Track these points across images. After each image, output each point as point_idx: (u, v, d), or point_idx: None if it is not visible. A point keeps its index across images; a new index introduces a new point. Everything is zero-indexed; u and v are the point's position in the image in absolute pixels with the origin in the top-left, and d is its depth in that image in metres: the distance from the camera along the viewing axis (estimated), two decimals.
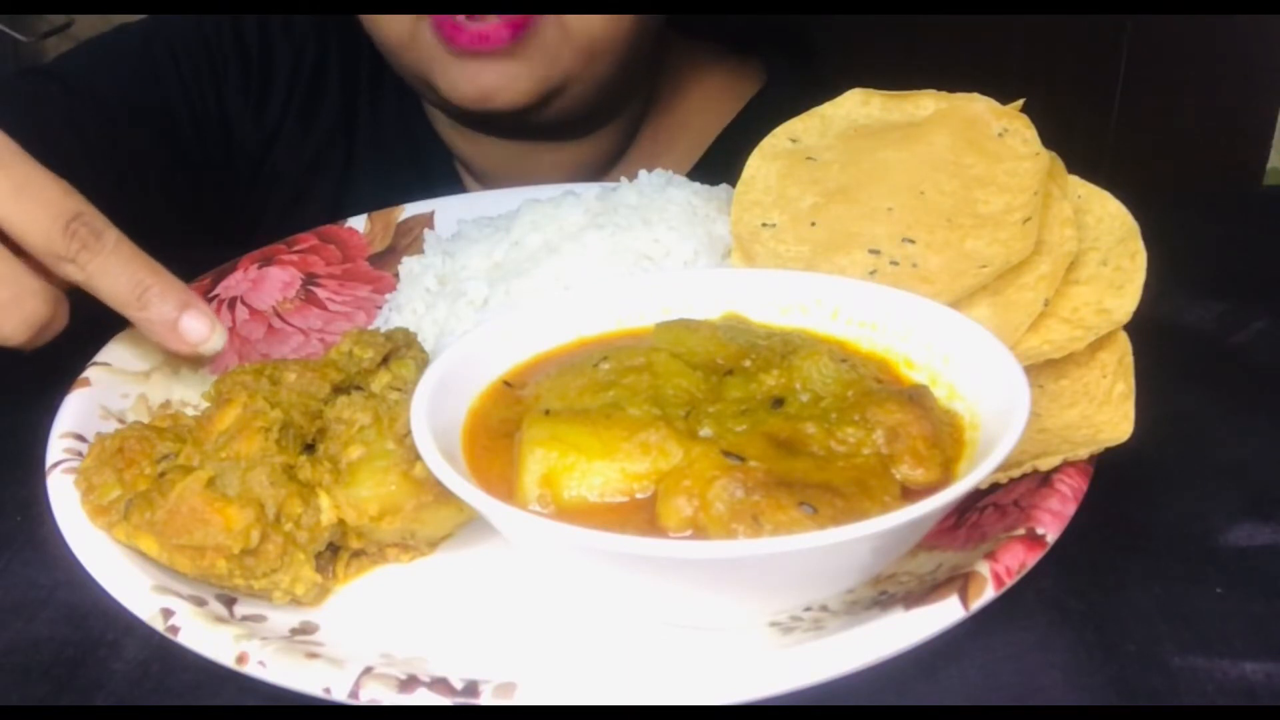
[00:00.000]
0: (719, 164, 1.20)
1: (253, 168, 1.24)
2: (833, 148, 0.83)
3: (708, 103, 1.29)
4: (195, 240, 0.96)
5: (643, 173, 0.94)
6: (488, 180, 1.27)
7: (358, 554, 0.67)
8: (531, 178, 1.21)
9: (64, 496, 0.66)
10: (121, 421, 0.76)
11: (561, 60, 1.05)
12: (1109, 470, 0.65)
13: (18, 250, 0.69)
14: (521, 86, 1.04)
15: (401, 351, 0.76)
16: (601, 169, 1.25)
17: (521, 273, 0.84)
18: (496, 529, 0.58)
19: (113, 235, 0.71)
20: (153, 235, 0.98)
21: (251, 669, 0.56)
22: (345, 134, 1.26)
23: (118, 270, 0.71)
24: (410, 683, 0.53)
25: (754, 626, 0.59)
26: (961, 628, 0.55)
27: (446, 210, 1.03)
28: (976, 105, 0.81)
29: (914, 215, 0.75)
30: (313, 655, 0.56)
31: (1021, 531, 0.59)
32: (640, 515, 0.56)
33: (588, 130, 1.20)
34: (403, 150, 1.27)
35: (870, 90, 0.85)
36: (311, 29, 1.24)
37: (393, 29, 1.06)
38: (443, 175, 1.27)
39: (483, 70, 1.03)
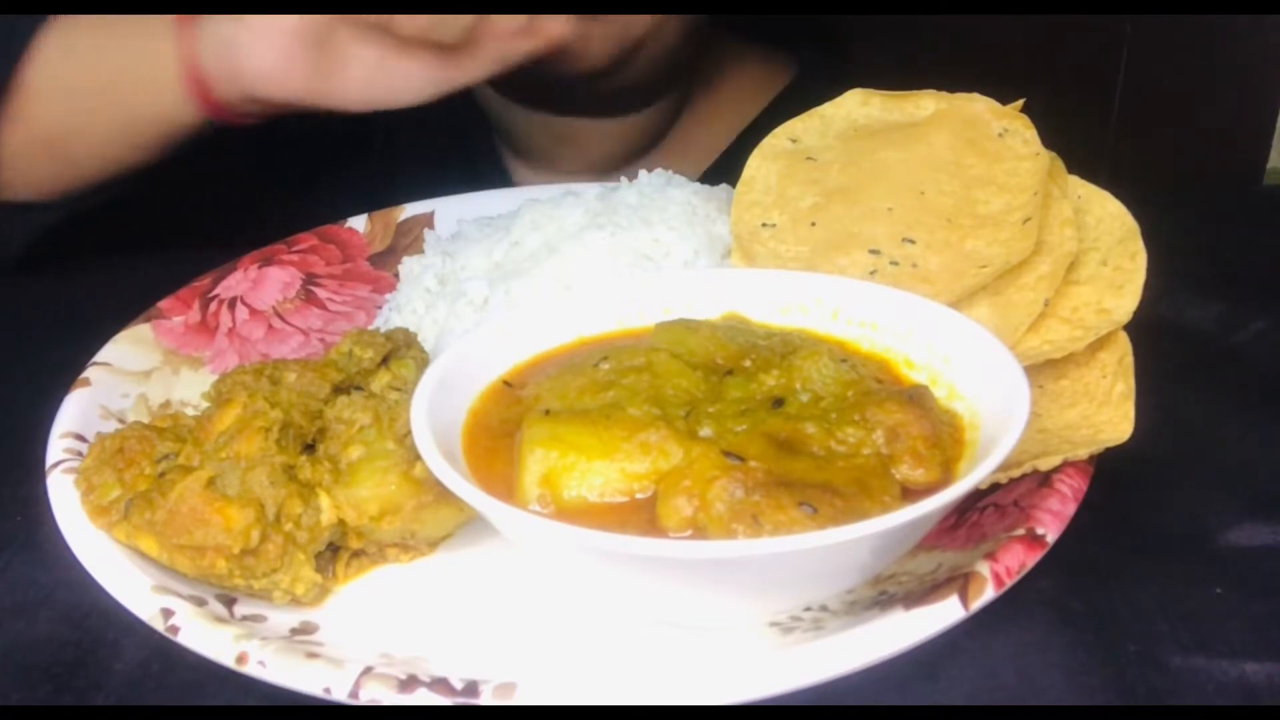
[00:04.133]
0: (748, 153, 1.22)
1: (295, 138, 1.24)
2: (833, 148, 0.83)
3: (742, 92, 1.31)
4: (196, 240, 0.97)
5: (643, 173, 0.94)
6: (528, 153, 1.28)
7: (358, 554, 0.67)
8: (575, 150, 1.23)
9: (64, 496, 0.66)
10: (121, 421, 0.76)
11: (639, 18, 1.07)
12: (1109, 470, 0.65)
13: None
14: (602, 48, 1.06)
15: (401, 351, 0.76)
16: (644, 149, 1.27)
17: (521, 273, 0.84)
18: (496, 529, 0.59)
19: None
20: (157, 235, 0.98)
21: (251, 669, 0.56)
22: (386, 111, 1.28)
23: None
24: (410, 683, 0.53)
25: (754, 626, 0.59)
26: (961, 628, 0.55)
27: (446, 210, 1.04)
28: (976, 105, 0.81)
29: (914, 215, 0.75)
30: (313, 655, 0.56)
31: (1021, 531, 0.59)
32: (640, 515, 0.56)
33: (637, 105, 1.22)
34: (444, 126, 1.28)
35: (870, 90, 0.85)
36: None
37: None
38: (484, 151, 1.29)
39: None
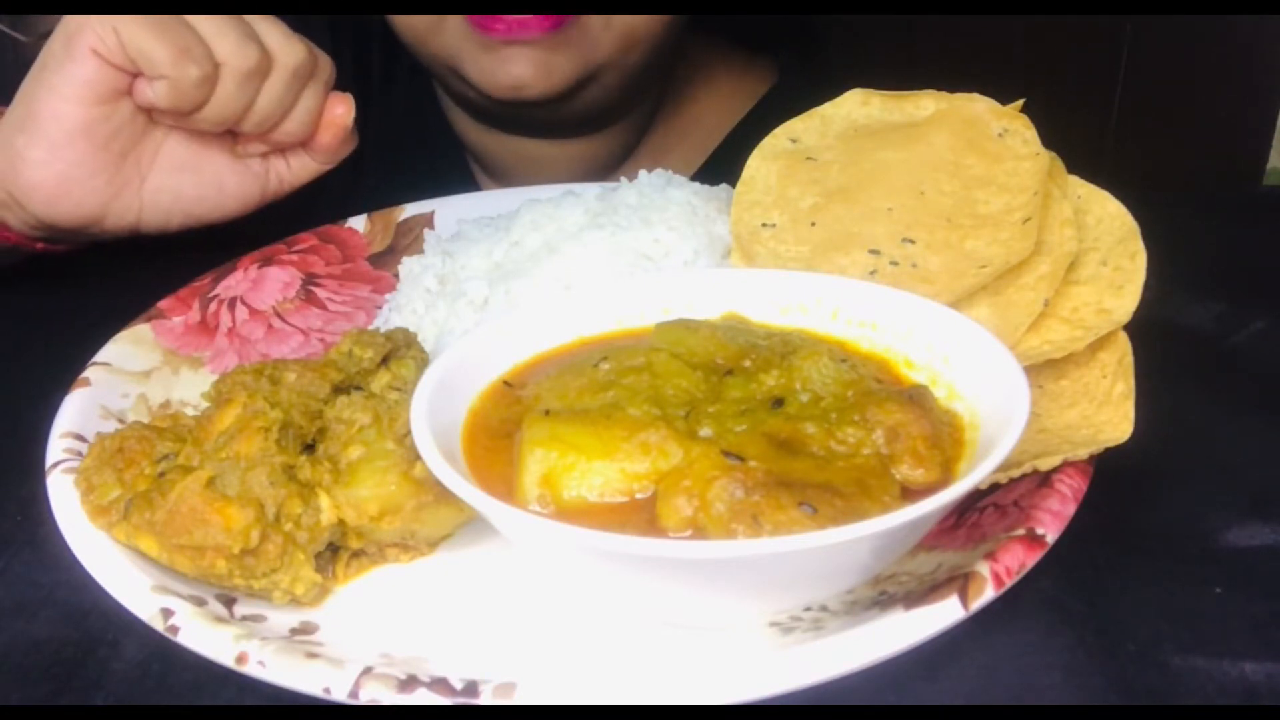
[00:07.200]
0: (729, 160, 1.22)
1: None
2: (833, 148, 0.83)
3: (719, 100, 1.29)
4: (196, 240, 0.96)
5: (643, 173, 0.94)
6: (499, 174, 1.27)
7: (358, 554, 0.67)
8: (544, 171, 1.21)
9: (64, 496, 0.66)
10: (121, 421, 0.76)
11: (600, 48, 1.05)
12: (1109, 470, 0.65)
13: None
14: (557, 76, 1.04)
15: (401, 351, 0.76)
16: (615, 164, 1.26)
17: (521, 273, 0.84)
18: (496, 529, 0.59)
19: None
20: (157, 235, 0.97)
21: (251, 669, 0.56)
22: (357, 127, 1.27)
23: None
24: (410, 683, 0.53)
25: (754, 626, 0.59)
26: (961, 628, 0.55)
27: (446, 210, 1.04)
28: (976, 105, 0.81)
29: (914, 215, 0.75)
30: (313, 655, 0.56)
31: (1021, 531, 0.59)
32: (640, 515, 0.56)
33: (605, 125, 1.21)
34: (415, 144, 1.27)
35: (870, 90, 0.85)
36: (324, 22, 1.24)
37: (417, 19, 1.06)
38: (454, 169, 1.27)
39: (517, 58, 1.03)
